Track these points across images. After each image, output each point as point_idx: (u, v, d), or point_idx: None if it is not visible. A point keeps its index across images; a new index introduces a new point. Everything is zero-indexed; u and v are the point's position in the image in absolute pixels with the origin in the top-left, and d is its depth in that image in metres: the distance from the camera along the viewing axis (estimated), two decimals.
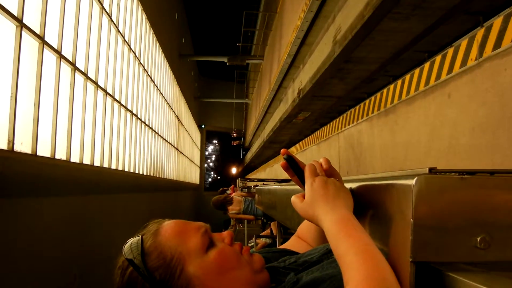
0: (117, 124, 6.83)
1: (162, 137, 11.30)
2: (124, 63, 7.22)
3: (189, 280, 0.69)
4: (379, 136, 4.19)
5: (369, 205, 0.70)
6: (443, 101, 2.97)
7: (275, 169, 12.07)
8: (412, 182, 0.54)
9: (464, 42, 2.72)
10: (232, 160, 28.39)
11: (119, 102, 6.84)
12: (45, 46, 4.12)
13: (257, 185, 5.32)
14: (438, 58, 3.04)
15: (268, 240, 4.95)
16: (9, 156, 3.41)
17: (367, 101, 4.55)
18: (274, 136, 9.22)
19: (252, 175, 19.74)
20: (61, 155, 4.55)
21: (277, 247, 1.16)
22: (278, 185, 2.54)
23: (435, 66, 3.07)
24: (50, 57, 4.32)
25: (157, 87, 10.44)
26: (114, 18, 6.49)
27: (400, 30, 2.95)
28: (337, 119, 5.74)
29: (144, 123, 8.91)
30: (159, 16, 10.96)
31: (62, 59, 4.53)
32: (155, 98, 10.26)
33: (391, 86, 3.89)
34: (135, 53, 7.96)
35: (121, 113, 7.04)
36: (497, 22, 2.41)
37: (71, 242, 4.52)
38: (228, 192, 7.30)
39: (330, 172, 0.74)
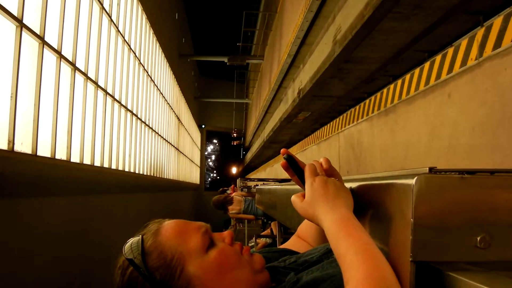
0: (117, 124, 6.83)
1: (162, 137, 11.30)
2: (124, 63, 7.22)
3: (189, 280, 0.69)
4: (379, 135, 4.19)
5: (369, 205, 0.70)
6: (443, 100, 2.97)
7: (275, 169, 12.07)
8: (412, 181, 0.54)
9: (464, 42, 2.72)
10: (232, 160, 28.39)
11: (119, 102, 6.84)
12: (45, 46, 4.13)
13: (257, 185, 5.32)
14: (438, 58, 3.04)
15: (268, 240, 4.95)
16: (9, 156, 3.41)
17: (367, 101, 4.55)
18: (274, 136, 9.22)
19: (252, 175, 19.74)
20: (61, 155, 4.55)
21: (277, 246, 1.16)
22: (278, 185, 2.54)
23: (435, 66, 3.07)
24: (50, 57, 4.32)
25: (157, 87, 10.44)
26: (114, 18, 6.49)
27: (400, 29, 2.95)
28: (337, 119, 5.74)
29: (144, 123, 8.91)
30: (159, 16, 10.96)
31: (62, 59, 4.53)
32: (155, 98, 10.26)
33: (391, 86, 3.89)
34: (135, 53, 7.96)
35: (121, 113, 7.04)
36: (497, 21, 2.41)
37: (71, 242, 4.52)
38: (228, 192, 7.30)
39: (330, 172, 0.74)
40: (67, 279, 4.42)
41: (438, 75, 3.02)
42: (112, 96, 6.44)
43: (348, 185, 0.74)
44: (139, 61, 8.37)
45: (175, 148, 13.98)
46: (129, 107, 7.48)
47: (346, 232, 0.62)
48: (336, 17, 3.55)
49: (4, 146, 3.40)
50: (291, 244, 0.99)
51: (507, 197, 0.55)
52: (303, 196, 0.72)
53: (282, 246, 1.01)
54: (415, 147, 3.39)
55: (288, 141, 9.48)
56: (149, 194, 9.52)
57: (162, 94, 11.27)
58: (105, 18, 6.13)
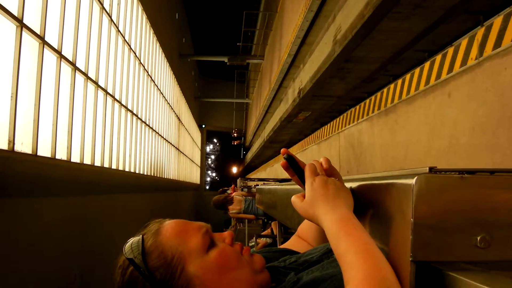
0: (118, 124, 6.83)
1: (163, 137, 11.31)
2: (125, 63, 7.22)
3: (189, 280, 0.69)
4: (379, 135, 4.19)
5: (369, 205, 0.70)
6: (443, 100, 2.97)
7: (276, 168, 12.07)
8: (412, 181, 0.54)
9: (464, 42, 2.72)
10: (233, 160, 28.39)
11: (119, 102, 6.84)
12: (45, 46, 4.13)
13: (258, 185, 5.33)
14: (438, 58, 3.04)
15: (268, 240, 4.95)
16: (9, 156, 3.41)
17: (367, 100, 4.55)
18: (274, 136, 9.22)
19: (252, 175, 19.74)
20: (61, 155, 4.55)
21: (278, 246, 1.16)
22: (278, 185, 2.54)
23: (435, 66, 3.07)
24: (50, 57, 4.32)
25: (157, 87, 10.45)
26: (114, 18, 6.49)
27: (401, 29, 2.95)
28: (338, 119, 5.74)
29: (145, 123, 8.91)
30: (159, 16, 10.96)
31: (62, 59, 4.53)
32: (156, 98, 10.27)
33: (391, 86, 3.89)
34: (135, 53, 7.97)
35: (122, 113, 7.05)
36: (497, 21, 2.41)
37: (71, 242, 4.53)
38: (229, 191, 7.31)
39: (330, 172, 0.74)
40: (67, 279, 4.42)
41: (438, 75, 3.02)
42: (113, 96, 6.45)
43: (348, 185, 0.75)
44: (139, 61, 8.37)
45: (176, 148, 13.98)
46: (129, 107, 7.48)
47: (346, 231, 0.62)
48: (336, 16, 3.55)
49: (5, 146, 3.40)
50: (291, 244, 0.99)
51: (507, 197, 0.55)
52: (303, 196, 0.72)
53: (282, 246, 1.02)
54: (415, 147, 3.39)
55: (289, 141, 9.48)
56: (149, 194, 9.52)
57: (163, 94, 11.27)
58: (105, 18, 6.13)
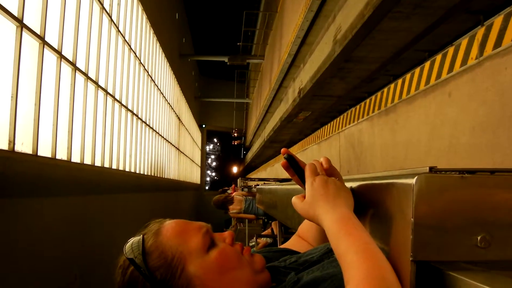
0: (118, 124, 6.83)
1: (163, 137, 11.31)
2: (125, 63, 7.23)
3: (189, 280, 0.69)
4: (380, 135, 4.19)
5: (369, 204, 0.70)
6: (443, 100, 2.97)
7: (276, 168, 12.07)
8: (413, 181, 0.54)
9: (464, 41, 2.72)
10: (233, 160, 28.39)
11: (119, 102, 6.84)
12: (45, 46, 4.13)
13: (258, 185, 5.33)
14: (438, 57, 3.04)
15: (269, 240, 4.95)
16: (10, 156, 3.41)
17: (368, 100, 4.55)
18: (274, 136, 9.22)
19: (253, 175, 19.73)
20: (62, 155, 4.55)
21: (278, 246, 1.16)
22: (279, 185, 2.54)
23: (436, 65, 3.07)
24: (50, 57, 4.32)
25: (157, 87, 10.45)
26: (114, 18, 6.50)
27: (401, 29, 2.95)
28: (338, 119, 5.74)
29: (145, 123, 8.91)
30: (160, 16, 10.96)
31: (62, 59, 4.53)
32: (156, 98, 10.27)
33: (392, 86, 3.89)
34: (135, 53, 7.97)
35: (122, 113, 7.05)
36: (497, 21, 2.40)
37: (72, 242, 4.53)
38: (229, 191, 7.31)
39: (330, 172, 0.74)
40: (67, 279, 4.42)
41: (439, 75, 3.02)
42: (113, 96, 6.45)
43: (348, 184, 0.74)
44: (140, 61, 8.37)
45: (176, 148, 13.99)
46: (129, 107, 7.48)
47: (347, 231, 0.62)
48: (336, 16, 3.55)
49: (5, 146, 3.40)
50: (292, 243, 0.99)
51: (508, 197, 0.55)
52: (304, 197, 0.72)
53: (282, 246, 1.01)
54: (416, 147, 3.39)
55: (289, 141, 9.48)
56: (149, 194, 9.53)
57: (163, 94, 11.27)
58: (106, 18, 6.13)
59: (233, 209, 5.24)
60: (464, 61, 2.70)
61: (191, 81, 19.58)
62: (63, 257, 4.28)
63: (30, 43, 3.88)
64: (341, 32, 3.36)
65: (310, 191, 0.70)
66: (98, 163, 5.75)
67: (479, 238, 0.54)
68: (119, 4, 6.85)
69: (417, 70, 3.37)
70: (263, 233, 5.36)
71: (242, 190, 6.62)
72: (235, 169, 27.30)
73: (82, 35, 5.16)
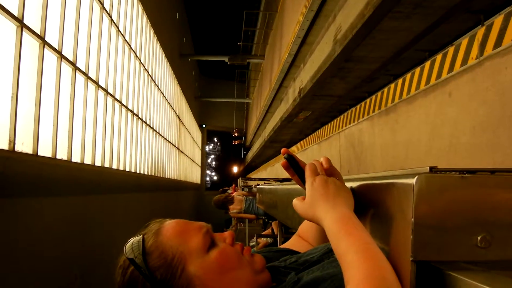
0: (118, 124, 6.83)
1: (163, 137, 11.31)
2: (125, 63, 7.23)
3: (190, 280, 0.69)
4: (380, 135, 4.19)
5: (369, 204, 0.70)
6: (443, 100, 2.96)
7: (276, 168, 12.07)
8: (413, 181, 0.54)
9: (464, 41, 2.72)
10: (233, 160, 28.40)
11: (120, 102, 6.84)
12: (45, 46, 4.13)
13: (258, 184, 5.32)
14: (438, 57, 3.04)
15: (269, 240, 4.94)
16: (10, 156, 3.41)
17: (368, 100, 4.55)
18: (275, 136, 9.22)
19: (253, 175, 19.73)
20: (62, 155, 4.55)
21: (278, 246, 1.16)
22: (279, 185, 2.53)
23: (436, 65, 3.07)
24: (50, 57, 4.32)
25: (158, 86, 10.45)
26: (114, 18, 6.50)
27: (401, 29, 2.95)
28: (338, 118, 5.74)
29: (145, 122, 8.91)
30: (160, 16, 10.97)
31: (62, 59, 4.53)
32: (156, 98, 10.27)
33: (392, 85, 3.89)
34: (135, 53, 7.97)
35: (122, 112, 7.05)
36: (497, 20, 2.40)
37: (72, 242, 4.53)
38: (229, 191, 7.31)
39: (330, 171, 0.74)
40: (68, 279, 4.42)
41: (439, 74, 3.02)
42: (113, 96, 6.45)
43: (348, 184, 0.74)
44: (140, 61, 8.37)
45: (176, 147, 13.99)
46: (130, 107, 7.48)
47: (347, 231, 0.62)
48: (336, 16, 3.54)
49: (5, 146, 3.40)
50: (292, 243, 0.99)
51: (508, 197, 0.55)
52: (304, 199, 0.72)
53: (283, 246, 1.01)
54: (416, 146, 3.39)
55: (289, 141, 9.48)
56: (150, 194, 9.53)
57: (163, 94, 11.27)
58: (106, 18, 6.13)
59: (234, 209, 5.24)
60: (465, 60, 2.70)
61: (191, 81, 19.58)
62: (63, 257, 4.28)
63: (30, 43, 3.88)
64: (342, 31, 3.36)
65: (310, 191, 0.69)
66: (98, 163, 5.76)
67: (479, 238, 0.54)
68: (119, 4, 6.86)
69: (417, 70, 3.37)
70: (264, 233, 5.36)
71: (243, 190, 6.62)
72: (235, 169, 27.30)
73: (82, 35, 5.16)
